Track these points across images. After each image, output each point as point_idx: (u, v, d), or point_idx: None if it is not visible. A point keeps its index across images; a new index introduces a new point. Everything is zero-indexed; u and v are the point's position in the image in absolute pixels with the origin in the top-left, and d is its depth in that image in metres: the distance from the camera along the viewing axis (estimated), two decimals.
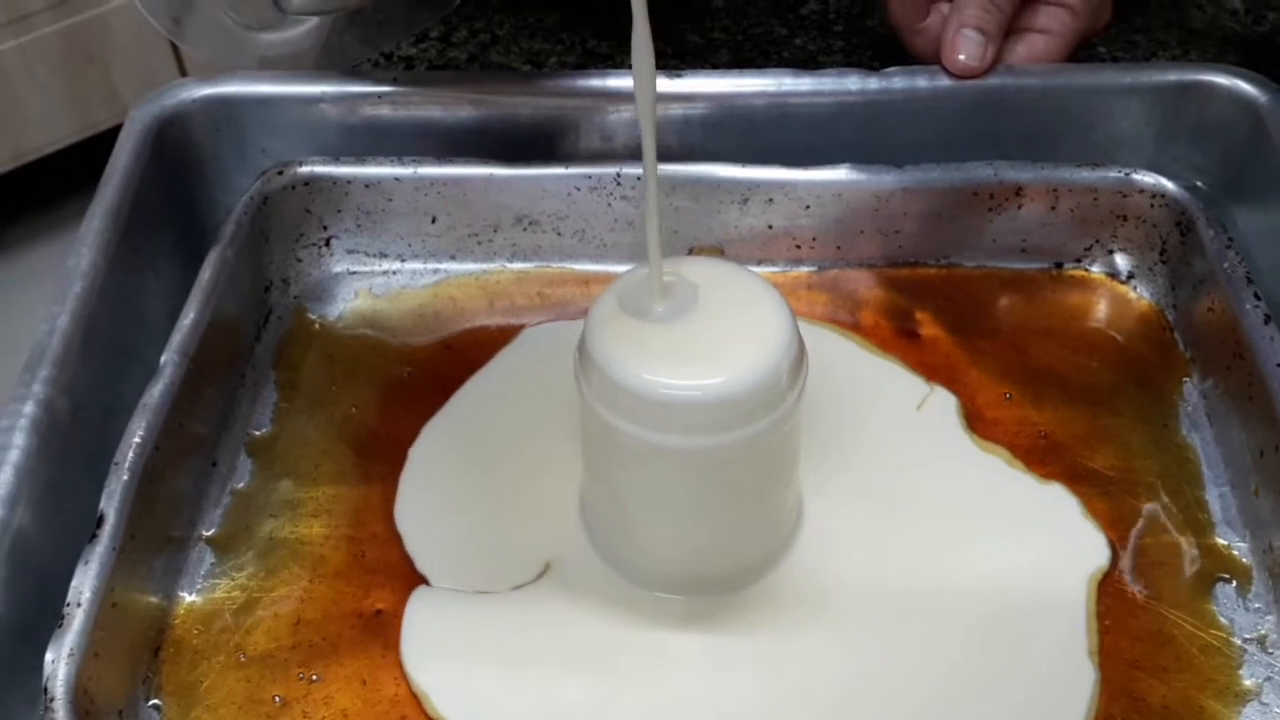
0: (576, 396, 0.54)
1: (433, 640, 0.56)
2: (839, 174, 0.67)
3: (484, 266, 0.69)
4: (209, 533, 0.59)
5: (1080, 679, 0.54)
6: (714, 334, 0.52)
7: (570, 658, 0.55)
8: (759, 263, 0.69)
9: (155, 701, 0.54)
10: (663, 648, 0.56)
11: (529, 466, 0.62)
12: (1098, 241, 0.69)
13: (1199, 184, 0.68)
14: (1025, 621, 0.56)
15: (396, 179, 0.67)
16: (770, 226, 0.68)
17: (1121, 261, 0.69)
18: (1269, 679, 0.54)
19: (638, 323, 0.52)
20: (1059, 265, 0.69)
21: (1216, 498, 0.60)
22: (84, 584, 0.52)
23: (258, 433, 0.63)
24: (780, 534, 0.58)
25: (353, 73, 0.68)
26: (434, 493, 0.61)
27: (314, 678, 0.55)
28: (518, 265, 0.69)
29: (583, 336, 0.53)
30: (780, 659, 0.55)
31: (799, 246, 0.69)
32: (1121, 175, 0.67)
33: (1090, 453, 0.62)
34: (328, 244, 0.69)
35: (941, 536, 0.59)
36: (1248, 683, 0.54)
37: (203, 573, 0.58)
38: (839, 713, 0.54)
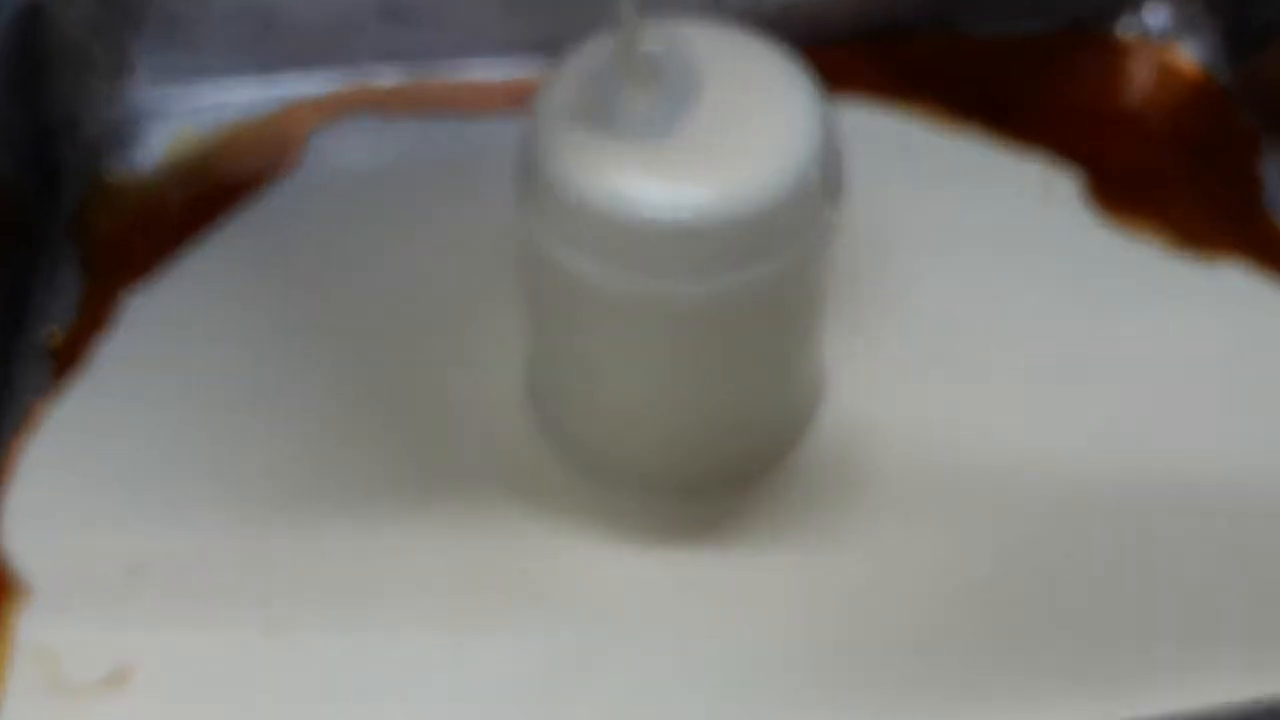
0: (512, 228, 0.41)
1: None
2: None
3: (343, 81, 0.56)
4: None
5: None
6: (715, 132, 0.38)
7: (533, 581, 0.44)
8: None
9: None
10: (648, 564, 0.44)
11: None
12: None
13: None
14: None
15: None
16: None
17: (1156, 17, 0.58)
18: None
19: (602, 122, 0.38)
20: (1081, 26, 0.58)
21: None
22: None
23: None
24: (801, 409, 0.46)
25: None
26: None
27: None
28: (388, 75, 0.56)
29: (526, 143, 0.39)
30: (802, 575, 0.44)
31: (766, 22, 0.54)
32: None
33: None
34: (128, 69, 0.56)
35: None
36: None
37: None
38: (891, 653, 0.42)
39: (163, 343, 0.49)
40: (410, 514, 0.45)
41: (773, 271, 0.39)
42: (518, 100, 0.53)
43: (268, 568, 0.43)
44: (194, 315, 0.50)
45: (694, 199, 0.37)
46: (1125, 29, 0.57)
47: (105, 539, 0.44)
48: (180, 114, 0.56)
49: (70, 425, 0.47)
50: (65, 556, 0.43)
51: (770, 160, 0.38)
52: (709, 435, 0.44)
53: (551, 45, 0.52)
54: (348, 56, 0.56)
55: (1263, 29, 0.54)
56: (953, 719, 0.41)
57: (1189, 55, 0.57)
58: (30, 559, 0.43)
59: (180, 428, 0.47)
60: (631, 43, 0.38)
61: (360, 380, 0.48)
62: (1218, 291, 0.49)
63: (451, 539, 0.44)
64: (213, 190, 0.53)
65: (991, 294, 0.49)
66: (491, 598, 0.43)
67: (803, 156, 0.38)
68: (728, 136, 0.38)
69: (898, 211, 0.51)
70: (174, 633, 0.42)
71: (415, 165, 0.54)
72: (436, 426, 0.47)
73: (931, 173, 0.53)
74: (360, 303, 0.50)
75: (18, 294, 0.50)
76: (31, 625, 0.42)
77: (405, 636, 0.42)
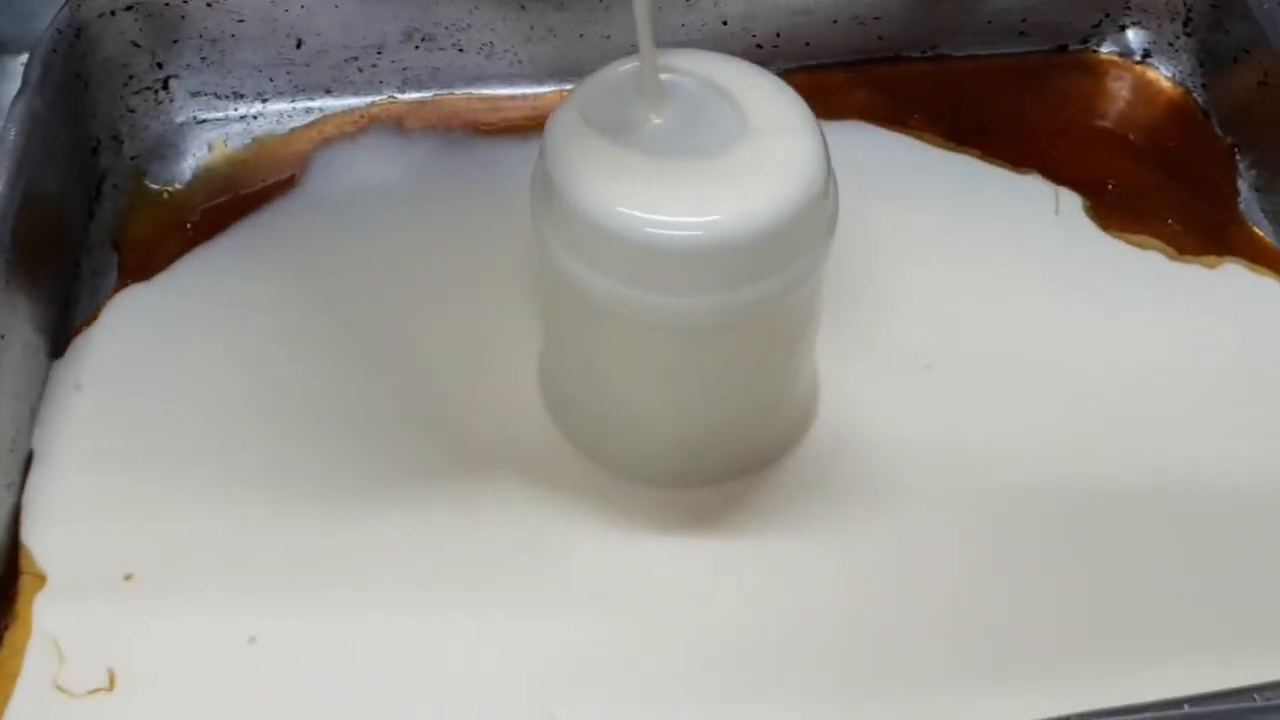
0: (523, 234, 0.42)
1: None
2: None
3: (368, 100, 0.57)
4: None
5: None
6: (724, 154, 0.39)
7: (544, 564, 0.44)
8: None
9: None
10: (662, 550, 0.45)
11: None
12: (1107, 15, 0.59)
13: None
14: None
15: None
16: (725, 22, 0.56)
17: (1135, 38, 0.59)
18: None
19: (616, 142, 0.39)
20: (1063, 48, 0.59)
21: None
22: None
23: None
24: (801, 408, 0.47)
25: None
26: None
27: None
28: (411, 95, 0.57)
29: (541, 161, 0.40)
30: (801, 558, 0.44)
31: (760, 46, 0.57)
32: None
33: None
34: (165, 86, 0.56)
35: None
36: None
37: None
38: (879, 631, 0.43)
39: (138, 339, 0.49)
40: (422, 509, 0.44)
41: (778, 287, 0.40)
42: (533, 120, 0.55)
43: (268, 565, 0.43)
44: (177, 314, 0.49)
45: (705, 218, 0.38)
46: (1106, 50, 0.58)
47: (101, 538, 0.44)
48: (214, 129, 0.56)
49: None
50: (66, 553, 0.43)
51: (778, 181, 0.39)
52: (716, 438, 0.44)
53: (568, 71, 0.55)
54: (372, 77, 0.56)
55: (1235, 49, 0.55)
56: (994, 685, 0.41)
57: (1166, 74, 0.58)
58: (42, 551, 0.43)
59: (157, 426, 0.46)
60: (648, 67, 0.39)
61: (366, 382, 0.47)
62: (1225, 291, 0.50)
63: (465, 534, 0.44)
64: (236, 200, 0.54)
65: (1002, 299, 0.50)
66: (509, 588, 0.43)
67: (807, 177, 0.39)
68: (736, 158, 0.39)
69: (906, 224, 0.51)
70: (171, 631, 0.42)
71: (428, 177, 0.54)
72: (448, 423, 0.46)
73: (937, 187, 0.53)
74: (363, 305, 0.50)
75: (64, 299, 0.51)
76: (45, 613, 0.42)
77: (421, 630, 0.42)
